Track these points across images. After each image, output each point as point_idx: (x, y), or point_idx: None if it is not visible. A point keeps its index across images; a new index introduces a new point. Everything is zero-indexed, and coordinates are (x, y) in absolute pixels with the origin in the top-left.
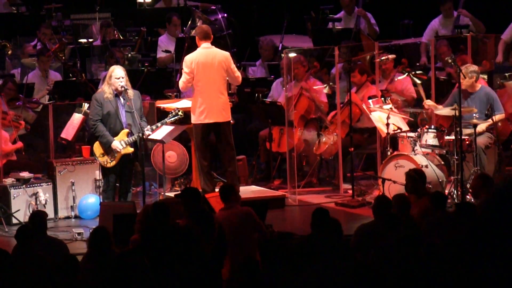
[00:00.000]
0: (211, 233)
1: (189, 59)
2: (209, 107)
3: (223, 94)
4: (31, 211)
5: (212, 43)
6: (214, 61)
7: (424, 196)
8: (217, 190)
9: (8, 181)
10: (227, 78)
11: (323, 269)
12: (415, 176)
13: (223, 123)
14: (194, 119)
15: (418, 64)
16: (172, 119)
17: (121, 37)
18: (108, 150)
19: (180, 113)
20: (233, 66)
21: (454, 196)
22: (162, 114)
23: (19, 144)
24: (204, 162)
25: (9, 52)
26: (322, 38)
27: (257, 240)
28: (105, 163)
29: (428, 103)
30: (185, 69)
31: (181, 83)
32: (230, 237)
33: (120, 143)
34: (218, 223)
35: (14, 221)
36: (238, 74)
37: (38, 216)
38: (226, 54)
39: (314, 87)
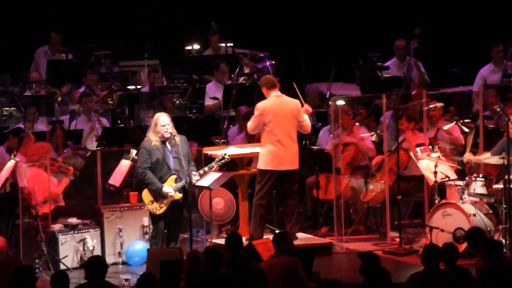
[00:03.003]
0: (249, 282)
1: (262, 106)
2: (281, 155)
3: (294, 142)
4: (79, 257)
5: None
6: (286, 109)
7: None
8: (265, 237)
9: (56, 227)
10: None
11: None
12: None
13: (293, 171)
14: (263, 165)
15: (471, 113)
16: (219, 163)
17: (169, 84)
18: (157, 197)
19: (226, 156)
20: (303, 114)
21: (503, 245)
22: (209, 161)
23: (65, 182)
24: (261, 208)
25: (59, 99)
26: (369, 86)
27: None
28: (154, 210)
29: (467, 157)
30: (255, 112)
31: (249, 126)
32: (272, 286)
33: (170, 189)
34: (261, 270)
35: (62, 267)
36: (306, 122)
37: (95, 261)
38: (297, 102)
39: (361, 135)
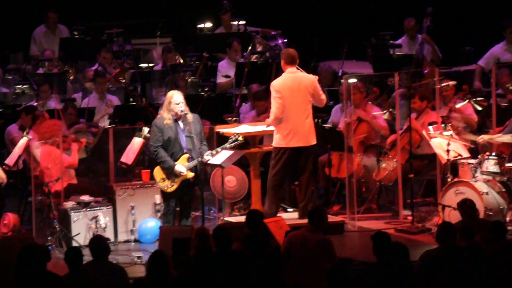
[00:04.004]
0: (263, 260)
1: (277, 84)
2: (295, 132)
3: (308, 118)
4: (91, 235)
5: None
6: (300, 86)
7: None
8: (279, 215)
9: (69, 204)
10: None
11: None
12: (471, 205)
13: (308, 147)
14: (277, 142)
15: (471, 89)
16: (232, 144)
17: (182, 62)
18: (168, 175)
19: (239, 138)
20: (319, 88)
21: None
22: (221, 139)
23: (75, 147)
24: (276, 186)
25: (71, 78)
26: (382, 64)
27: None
28: (166, 187)
29: (484, 138)
30: (275, 94)
31: (276, 109)
32: (300, 261)
33: (183, 168)
34: (277, 249)
35: (74, 244)
36: (323, 96)
37: (97, 241)
38: (312, 77)
39: (373, 113)
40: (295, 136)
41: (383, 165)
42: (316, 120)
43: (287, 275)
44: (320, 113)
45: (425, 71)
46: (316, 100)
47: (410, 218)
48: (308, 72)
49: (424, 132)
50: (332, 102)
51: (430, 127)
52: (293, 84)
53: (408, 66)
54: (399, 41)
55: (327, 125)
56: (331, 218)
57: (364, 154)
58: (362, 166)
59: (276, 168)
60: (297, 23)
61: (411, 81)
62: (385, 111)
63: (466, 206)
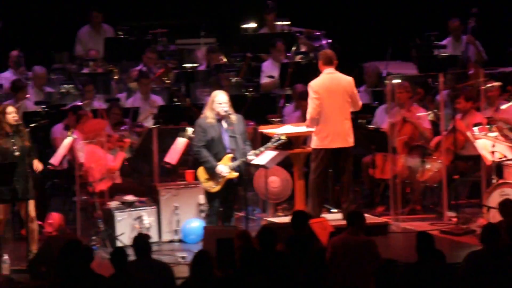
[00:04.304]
0: (307, 261)
1: (316, 84)
2: (334, 132)
3: (347, 119)
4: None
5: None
6: (339, 87)
7: None
8: (323, 215)
9: (113, 204)
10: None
11: None
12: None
13: (347, 148)
14: (316, 144)
15: None
16: (276, 143)
17: (227, 62)
18: (212, 175)
19: (283, 137)
20: (356, 91)
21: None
22: (265, 140)
23: (122, 155)
24: (318, 187)
25: (115, 77)
26: (426, 65)
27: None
28: (210, 188)
29: None
30: (313, 94)
31: (312, 110)
32: (345, 263)
33: (225, 168)
34: (319, 247)
35: (119, 244)
36: (359, 99)
37: (140, 239)
38: (350, 79)
39: (417, 114)
40: (334, 137)
41: (428, 166)
42: (360, 121)
43: (332, 278)
44: (364, 113)
45: (470, 72)
46: (353, 102)
47: (454, 219)
48: (351, 74)
49: (469, 133)
50: (376, 103)
51: (475, 128)
52: (331, 84)
53: (453, 67)
54: (444, 42)
55: (371, 126)
56: (375, 219)
57: (408, 155)
58: (406, 167)
59: (317, 170)
60: (341, 23)
61: (455, 82)
62: (429, 112)
63: (506, 206)
